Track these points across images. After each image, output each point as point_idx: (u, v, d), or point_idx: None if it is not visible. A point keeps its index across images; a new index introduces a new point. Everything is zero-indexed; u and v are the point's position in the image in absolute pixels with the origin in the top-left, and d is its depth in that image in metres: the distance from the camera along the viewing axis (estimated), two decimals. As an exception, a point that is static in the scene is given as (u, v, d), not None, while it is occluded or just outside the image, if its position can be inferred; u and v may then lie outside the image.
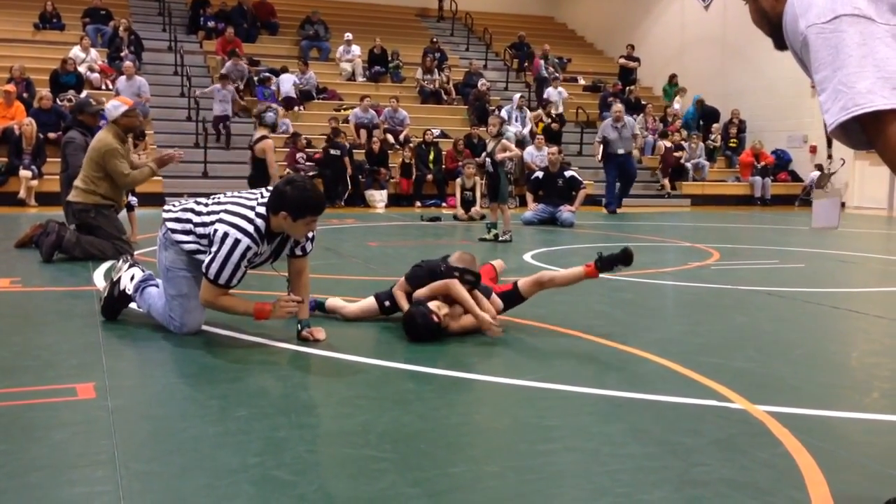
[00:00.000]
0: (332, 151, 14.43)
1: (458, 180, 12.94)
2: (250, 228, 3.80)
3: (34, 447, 2.47)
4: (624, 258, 4.25)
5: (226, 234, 3.78)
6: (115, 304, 4.34)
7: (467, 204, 12.49)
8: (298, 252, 4.08)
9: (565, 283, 4.44)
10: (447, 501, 2.13)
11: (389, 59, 19.40)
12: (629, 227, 11.48)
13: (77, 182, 6.80)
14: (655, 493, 2.20)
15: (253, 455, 2.42)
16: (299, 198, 3.75)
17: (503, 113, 17.21)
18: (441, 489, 2.20)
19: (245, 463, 2.36)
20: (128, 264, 4.41)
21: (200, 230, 3.94)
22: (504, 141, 9.11)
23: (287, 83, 17.06)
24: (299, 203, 3.74)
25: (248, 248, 3.80)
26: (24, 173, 12.85)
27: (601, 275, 4.31)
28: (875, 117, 1.65)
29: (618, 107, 14.25)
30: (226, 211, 3.87)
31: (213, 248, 3.81)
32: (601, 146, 14.11)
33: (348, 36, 19.02)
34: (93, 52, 16.52)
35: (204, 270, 3.84)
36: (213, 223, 3.88)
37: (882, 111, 1.63)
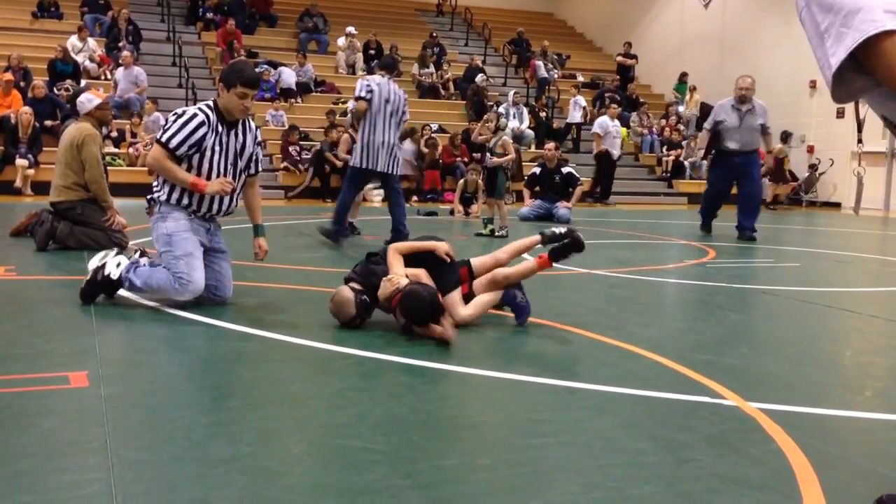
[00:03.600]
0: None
1: (461, 182, 12.89)
2: (201, 105, 4.47)
3: (25, 435, 2.46)
4: (575, 245, 4.21)
5: (179, 111, 4.46)
6: (95, 288, 4.45)
7: (466, 201, 12.45)
8: (252, 170, 4.71)
9: (520, 278, 4.29)
10: (438, 494, 2.13)
11: (388, 53, 19.37)
12: (626, 224, 11.48)
13: (57, 180, 6.68)
14: (647, 488, 2.20)
15: (245, 445, 2.42)
16: (231, 68, 4.46)
17: (501, 110, 17.25)
18: (432, 481, 2.20)
19: (237, 453, 2.36)
20: (114, 252, 4.57)
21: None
22: (505, 139, 9.09)
23: (288, 76, 17.06)
24: (230, 73, 4.40)
25: (201, 120, 4.36)
26: (20, 162, 12.82)
27: (555, 264, 4.27)
28: (871, 44, 1.61)
29: (746, 80, 9.33)
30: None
31: (170, 121, 4.43)
32: (709, 136, 9.53)
33: (350, 29, 18.97)
34: (91, 41, 16.47)
35: (157, 137, 4.44)
36: None
37: (879, 36, 1.59)
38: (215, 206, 4.52)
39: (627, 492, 2.17)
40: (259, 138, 4.75)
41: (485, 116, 9.79)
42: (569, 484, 2.23)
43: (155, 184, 4.55)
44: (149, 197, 4.58)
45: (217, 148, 4.44)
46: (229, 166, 4.52)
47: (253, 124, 4.70)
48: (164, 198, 4.46)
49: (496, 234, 8.81)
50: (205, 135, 4.37)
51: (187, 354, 3.66)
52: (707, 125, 9.55)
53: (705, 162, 10.16)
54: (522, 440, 2.55)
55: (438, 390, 3.16)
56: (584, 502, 2.11)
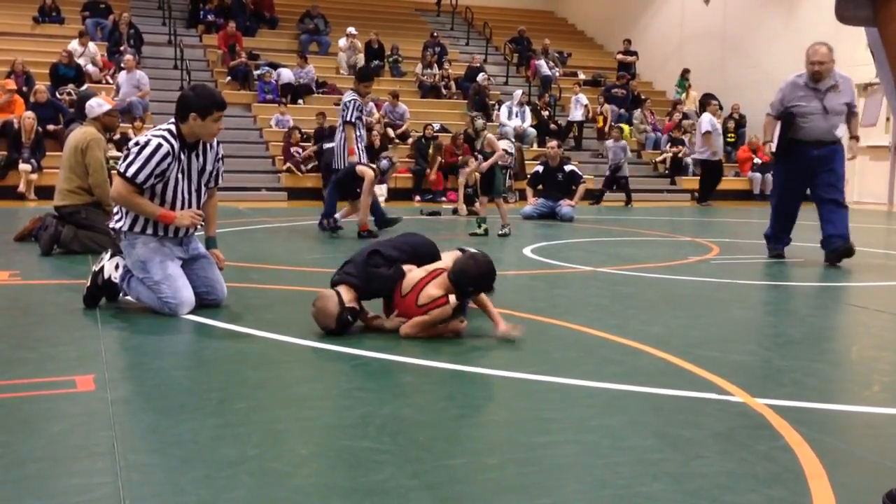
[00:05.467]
0: (327, 144, 14.42)
1: (461, 179, 12.90)
2: (163, 132, 4.30)
3: (33, 439, 2.46)
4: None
5: (139, 142, 4.29)
6: (97, 292, 4.45)
7: (469, 199, 12.45)
8: (212, 184, 4.62)
9: None
10: (446, 493, 2.13)
11: (389, 53, 19.38)
12: (629, 221, 11.47)
13: (61, 184, 6.70)
14: (655, 486, 2.19)
15: (252, 447, 2.42)
16: (201, 96, 4.29)
17: (503, 109, 17.27)
18: (440, 481, 2.20)
19: (244, 455, 2.36)
20: (109, 254, 4.53)
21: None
22: (489, 137, 9.03)
23: (286, 74, 17.12)
24: (202, 101, 4.26)
25: (166, 151, 4.23)
26: (23, 167, 12.84)
27: None
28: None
29: (821, 50, 6.93)
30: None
31: (132, 152, 4.26)
32: (777, 125, 7.23)
33: (351, 30, 18.98)
34: (91, 46, 16.48)
35: (119, 170, 4.27)
36: None
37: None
38: (181, 232, 4.43)
39: (635, 489, 2.17)
40: (220, 154, 4.61)
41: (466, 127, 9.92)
42: (576, 482, 2.22)
43: (116, 213, 4.44)
44: (111, 227, 4.48)
45: (180, 176, 4.35)
46: (193, 190, 4.44)
47: (214, 141, 4.54)
48: (126, 228, 4.36)
49: (499, 233, 8.80)
50: (169, 165, 4.28)
51: (193, 357, 3.66)
52: (772, 110, 7.28)
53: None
54: (529, 439, 2.55)
55: (444, 390, 3.15)
56: (592, 500, 2.11)
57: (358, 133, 8.51)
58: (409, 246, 4.17)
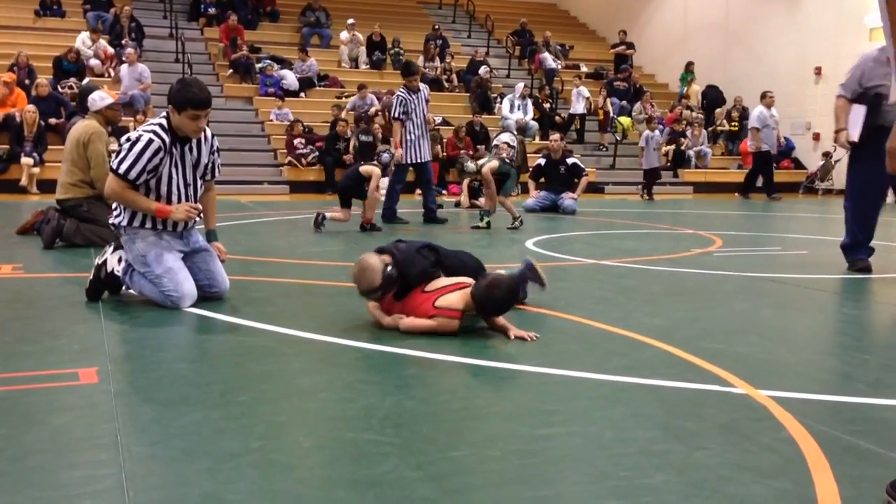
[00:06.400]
0: (363, 138, 14.51)
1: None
2: (154, 126, 4.30)
3: (35, 431, 2.46)
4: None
5: (130, 137, 4.29)
6: (99, 285, 4.45)
7: (475, 192, 12.43)
8: (208, 177, 4.60)
9: None
10: (449, 485, 2.13)
11: (390, 46, 19.36)
12: (631, 214, 11.46)
13: (63, 178, 6.71)
14: (658, 477, 2.19)
15: (255, 439, 2.42)
16: (179, 91, 4.24)
17: (505, 102, 17.26)
18: (443, 473, 2.20)
19: (247, 447, 2.36)
20: (112, 247, 4.52)
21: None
22: (484, 170, 8.90)
23: (290, 78, 17.12)
24: (178, 97, 4.22)
25: (157, 146, 4.22)
26: (25, 160, 12.86)
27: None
28: None
29: None
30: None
31: (124, 148, 4.28)
32: (851, 109, 6.10)
33: (351, 22, 18.97)
34: (101, 41, 16.48)
35: (112, 167, 4.28)
36: None
37: None
38: (180, 225, 4.42)
39: (638, 481, 2.17)
40: (216, 146, 4.58)
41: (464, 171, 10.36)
42: (579, 474, 2.22)
43: (115, 209, 4.43)
44: (111, 223, 4.47)
45: (174, 170, 4.33)
46: (188, 183, 4.42)
47: (209, 132, 4.54)
48: (125, 223, 4.35)
49: (509, 227, 8.79)
50: (161, 159, 4.26)
51: (195, 349, 3.67)
52: (845, 91, 6.13)
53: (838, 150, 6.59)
54: (532, 431, 2.55)
55: (447, 382, 3.15)
56: (595, 492, 2.11)
57: (409, 127, 9.05)
58: (461, 262, 4.15)
